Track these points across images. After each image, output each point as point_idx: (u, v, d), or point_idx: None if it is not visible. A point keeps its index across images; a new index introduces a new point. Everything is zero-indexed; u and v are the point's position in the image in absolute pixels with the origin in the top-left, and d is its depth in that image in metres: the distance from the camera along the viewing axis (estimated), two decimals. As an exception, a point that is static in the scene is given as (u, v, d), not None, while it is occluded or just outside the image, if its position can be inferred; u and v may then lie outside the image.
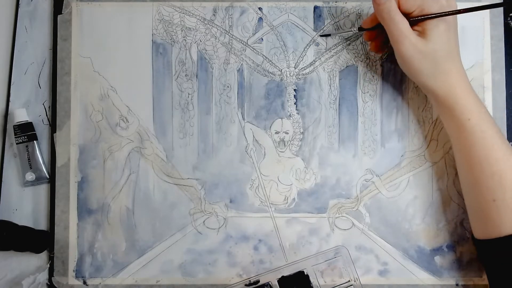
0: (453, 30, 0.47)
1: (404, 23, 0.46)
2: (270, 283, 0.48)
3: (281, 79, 0.55)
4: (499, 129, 0.46)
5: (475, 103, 0.46)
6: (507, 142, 0.46)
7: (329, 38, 0.55)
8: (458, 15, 0.46)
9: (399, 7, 0.46)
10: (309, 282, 0.48)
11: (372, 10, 0.52)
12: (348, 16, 0.55)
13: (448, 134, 0.49)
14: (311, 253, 0.53)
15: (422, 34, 0.46)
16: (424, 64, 0.46)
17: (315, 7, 0.55)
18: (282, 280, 0.48)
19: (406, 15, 0.46)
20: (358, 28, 0.52)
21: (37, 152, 0.54)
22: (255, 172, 0.54)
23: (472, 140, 0.46)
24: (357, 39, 0.55)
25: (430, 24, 0.46)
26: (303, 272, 0.49)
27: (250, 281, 0.50)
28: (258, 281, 0.50)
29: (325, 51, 0.55)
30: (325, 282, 0.51)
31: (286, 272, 0.48)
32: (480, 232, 0.48)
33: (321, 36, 0.55)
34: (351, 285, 0.50)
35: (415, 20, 0.46)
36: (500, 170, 0.45)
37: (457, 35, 0.47)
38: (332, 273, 0.51)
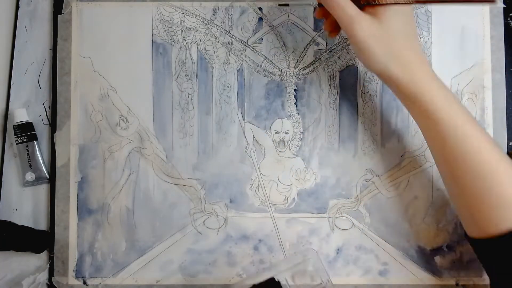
0: (408, 12, 0.43)
1: (351, 7, 0.42)
2: None
3: (281, 79, 0.55)
4: (472, 117, 0.43)
5: (439, 88, 0.43)
6: (483, 130, 0.43)
7: (329, 39, 0.54)
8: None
9: None
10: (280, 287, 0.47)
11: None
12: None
13: (418, 126, 0.46)
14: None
15: (374, 15, 0.42)
16: (379, 47, 0.42)
17: (315, 7, 0.55)
18: None
19: None
20: (318, 4, 0.48)
21: (37, 152, 0.54)
22: (255, 172, 0.54)
23: (442, 131, 0.42)
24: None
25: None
26: (273, 278, 0.48)
27: None
28: None
29: (325, 51, 0.55)
30: (296, 286, 0.49)
31: (257, 280, 0.47)
32: (473, 230, 0.45)
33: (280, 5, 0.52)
34: (324, 287, 0.49)
35: (365, 5, 0.43)
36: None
37: (414, 19, 0.43)
38: (303, 276, 0.50)
